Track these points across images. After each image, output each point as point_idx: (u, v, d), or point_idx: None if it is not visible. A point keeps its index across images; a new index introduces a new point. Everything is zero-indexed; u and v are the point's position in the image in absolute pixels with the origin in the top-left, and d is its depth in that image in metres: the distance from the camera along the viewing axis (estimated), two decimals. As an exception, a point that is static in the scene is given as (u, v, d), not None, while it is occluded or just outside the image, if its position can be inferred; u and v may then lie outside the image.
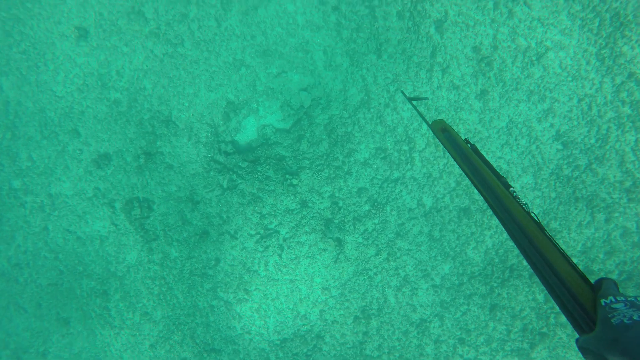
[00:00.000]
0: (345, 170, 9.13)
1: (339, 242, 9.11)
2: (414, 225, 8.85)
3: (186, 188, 9.44)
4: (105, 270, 9.97)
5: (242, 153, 9.49)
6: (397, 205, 8.89)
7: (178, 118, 9.35)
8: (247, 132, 9.62)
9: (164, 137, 9.35)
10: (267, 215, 9.26)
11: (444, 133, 1.69)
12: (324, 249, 9.12)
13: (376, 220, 8.96)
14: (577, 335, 1.00)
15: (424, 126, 8.79)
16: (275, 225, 9.28)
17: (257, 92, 9.39)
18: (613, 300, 0.95)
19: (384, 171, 8.97)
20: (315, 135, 9.30)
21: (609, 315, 0.90)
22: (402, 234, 8.89)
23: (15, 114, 9.48)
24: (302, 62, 9.32)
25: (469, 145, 1.62)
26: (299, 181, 9.22)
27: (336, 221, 9.10)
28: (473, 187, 8.12)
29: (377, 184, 9.04)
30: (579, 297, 1.02)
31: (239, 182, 9.33)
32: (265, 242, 9.22)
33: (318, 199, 9.16)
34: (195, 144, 9.34)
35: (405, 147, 8.84)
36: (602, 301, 0.96)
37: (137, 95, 9.30)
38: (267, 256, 9.27)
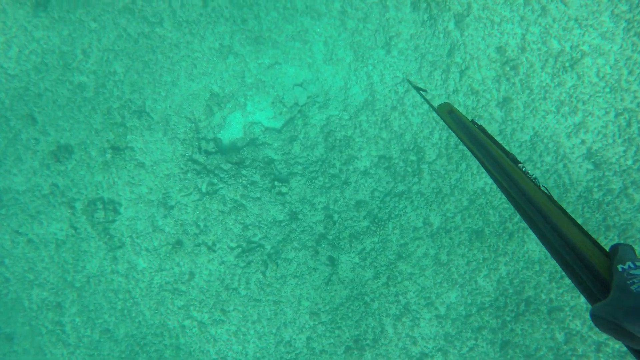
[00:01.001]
0: (343, 179, 7.99)
1: (332, 262, 7.98)
2: (418, 246, 7.78)
3: (159, 190, 8.17)
4: (61, 280, 8.65)
5: (225, 153, 8.27)
6: (401, 223, 7.81)
7: (153, 109, 8.06)
8: (232, 129, 8.40)
9: (135, 131, 8.06)
10: (250, 227, 8.07)
11: (450, 115, 1.69)
12: (314, 269, 7.98)
13: (376, 239, 7.86)
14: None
15: (436, 135, 7.71)
16: (260, 239, 8.10)
17: (246, 85, 8.17)
18: (632, 265, 0.89)
19: (387, 183, 7.87)
20: (310, 138, 8.13)
21: (628, 282, 0.86)
22: (404, 255, 7.81)
23: (-42, 94, 8.06)
24: (299, 53, 8.12)
25: (476, 126, 1.59)
26: (289, 189, 8.05)
27: (330, 237, 7.97)
28: (488, 208, 7.09)
29: (379, 198, 7.93)
30: (593, 264, 0.98)
31: (220, 186, 8.11)
32: (247, 256, 8.04)
33: (310, 211, 8.01)
34: (172, 140, 8.07)
35: (413, 157, 7.74)
36: (619, 267, 0.91)
37: (106, 80, 7.98)
38: (248, 273, 8.09)
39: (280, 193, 8.05)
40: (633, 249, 0.96)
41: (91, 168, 8.36)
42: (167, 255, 8.26)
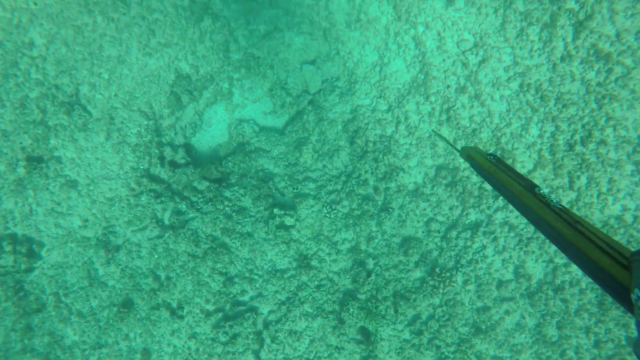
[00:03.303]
0: (381, 203, 5.10)
1: (367, 337, 4.99)
2: (508, 312, 4.77)
3: (98, 223, 5.32)
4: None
5: (200, 166, 5.44)
6: (477, 274, 4.83)
7: (90, 100, 5.32)
8: (212, 130, 5.59)
9: (63, 132, 5.29)
10: (237, 279, 5.16)
11: (470, 161, 1.82)
12: (338, 348, 4.99)
13: (437, 300, 4.87)
14: None
15: (533, 129, 4.80)
16: (252, 298, 5.18)
17: (231, 63, 5.42)
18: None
19: (452, 209, 4.94)
20: (328, 141, 5.29)
21: None
22: (484, 328, 4.79)
23: None
24: (310, 13, 5.39)
25: (492, 159, 1.68)
26: (296, 220, 5.16)
27: (362, 297, 5.00)
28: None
29: (439, 233, 4.99)
30: (620, 284, 0.97)
31: (191, 216, 5.24)
32: (231, 327, 5.10)
33: (330, 255, 5.09)
34: (118, 147, 5.29)
35: (495, 168, 4.78)
36: (636, 293, 0.88)
37: (18, 55, 5.27)
38: (233, 354, 5.12)
39: (282, 226, 5.15)
40: None
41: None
42: (110, 323, 5.32)
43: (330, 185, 5.26)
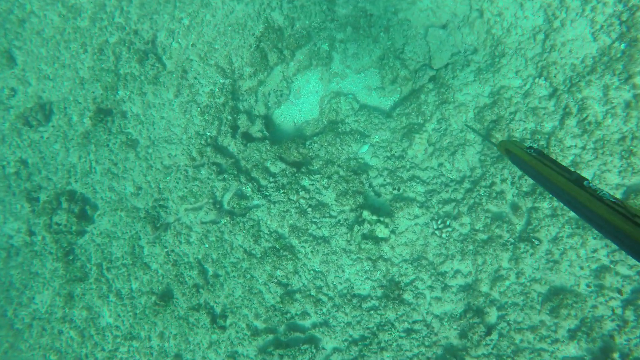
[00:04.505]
0: (521, 229, 3.44)
1: None
2: None
3: (150, 193, 4.51)
4: None
5: (278, 143, 4.31)
6: None
7: (166, 48, 4.53)
8: (301, 103, 4.47)
9: (132, 83, 4.60)
10: (299, 296, 3.90)
11: (509, 155, 1.70)
12: None
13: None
14: None
15: None
16: (315, 325, 3.89)
17: (335, 19, 4.28)
18: None
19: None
20: (451, 131, 3.78)
21: None
22: None
23: None
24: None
25: (533, 152, 1.57)
26: (392, 232, 3.71)
27: (473, 362, 3.36)
28: None
29: (618, 294, 3.13)
30: None
31: (256, 203, 4.14)
32: (282, 358, 3.82)
33: (432, 289, 3.57)
34: (186, 106, 4.41)
35: None
36: None
37: (103, -7, 4.73)
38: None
39: (371, 237, 3.73)
40: None
41: (67, 140, 5.06)
42: (146, 313, 4.42)
43: (447, 192, 3.71)
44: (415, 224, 3.68)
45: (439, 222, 3.60)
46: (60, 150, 5.15)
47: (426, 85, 4.14)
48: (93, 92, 4.85)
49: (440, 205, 3.68)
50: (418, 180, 3.80)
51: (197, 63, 4.42)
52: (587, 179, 1.26)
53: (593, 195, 1.19)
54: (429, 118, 3.99)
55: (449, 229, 3.58)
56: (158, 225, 4.42)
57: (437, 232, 3.60)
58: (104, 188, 4.79)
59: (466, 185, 3.67)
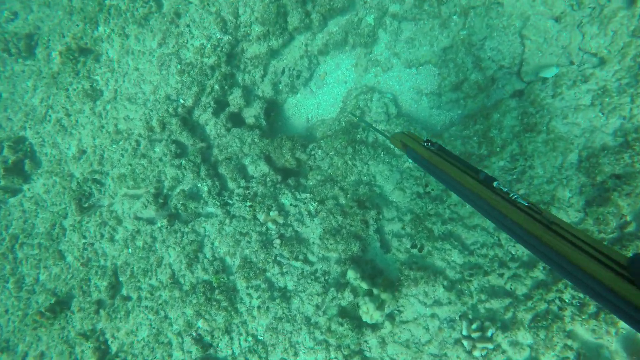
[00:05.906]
0: None
1: None
2: None
3: (90, 161, 3.35)
4: None
5: (272, 137, 2.98)
6: None
7: None
8: (323, 93, 3.18)
9: (115, 20, 3.57)
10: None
11: (406, 150, 1.49)
12: None
13: None
14: None
15: None
16: None
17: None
18: None
19: None
20: (537, 174, 2.18)
21: None
22: None
23: None
24: None
25: (431, 146, 1.36)
26: (389, 317, 2.17)
27: None
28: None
29: None
30: (610, 287, 0.77)
31: (210, 211, 2.79)
32: None
33: None
34: (166, 59, 3.23)
35: None
36: None
37: None
38: None
39: (351, 316, 2.22)
40: None
41: (40, 78, 4.13)
42: (35, 320, 3.19)
43: (501, 276, 2.14)
44: (432, 315, 2.13)
45: (474, 325, 2.02)
46: (30, 89, 4.23)
47: (506, 101, 2.63)
48: (77, 26, 3.89)
49: (483, 296, 2.11)
50: (456, 243, 2.27)
51: (194, 7, 3.27)
52: (496, 179, 1.09)
53: (506, 199, 1.03)
54: (497, 150, 2.48)
55: (489, 345, 1.98)
56: (85, 205, 3.23)
57: (466, 342, 2.02)
58: (50, 143, 3.74)
59: (538, 274, 2.08)
